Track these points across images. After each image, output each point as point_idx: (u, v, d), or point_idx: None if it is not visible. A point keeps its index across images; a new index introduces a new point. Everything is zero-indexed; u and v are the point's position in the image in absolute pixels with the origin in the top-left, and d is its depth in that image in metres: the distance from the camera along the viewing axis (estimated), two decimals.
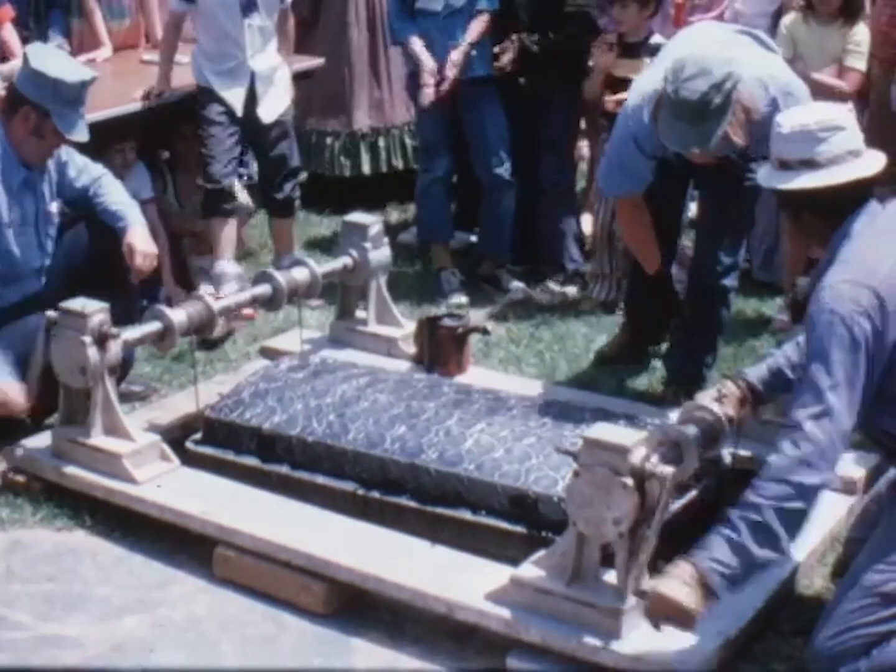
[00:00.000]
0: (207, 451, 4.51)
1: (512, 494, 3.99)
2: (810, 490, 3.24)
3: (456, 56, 6.12)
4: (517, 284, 6.44)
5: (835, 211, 3.43)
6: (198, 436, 4.58)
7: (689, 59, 4.35)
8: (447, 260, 6.56)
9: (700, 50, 4.49)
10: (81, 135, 4.79)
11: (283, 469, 4.37)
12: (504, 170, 6.36)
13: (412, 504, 4.13)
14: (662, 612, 3.29)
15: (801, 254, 4.98)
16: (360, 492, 4.22)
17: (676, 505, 3.89)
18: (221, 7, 5.96)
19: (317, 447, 4.34)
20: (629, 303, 5.64)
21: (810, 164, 3.41)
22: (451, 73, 6.11)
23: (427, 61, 6.13)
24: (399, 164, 7.53)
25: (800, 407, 3.28)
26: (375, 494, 4.20)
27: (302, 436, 4.38)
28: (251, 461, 4.43)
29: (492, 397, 4.50)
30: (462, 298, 6.34)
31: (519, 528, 3.95)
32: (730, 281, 5.02)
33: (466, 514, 4.05)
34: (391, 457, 4.21)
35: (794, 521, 3.28)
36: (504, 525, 3.98)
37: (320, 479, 4.29)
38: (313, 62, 6.92)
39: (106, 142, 5.88)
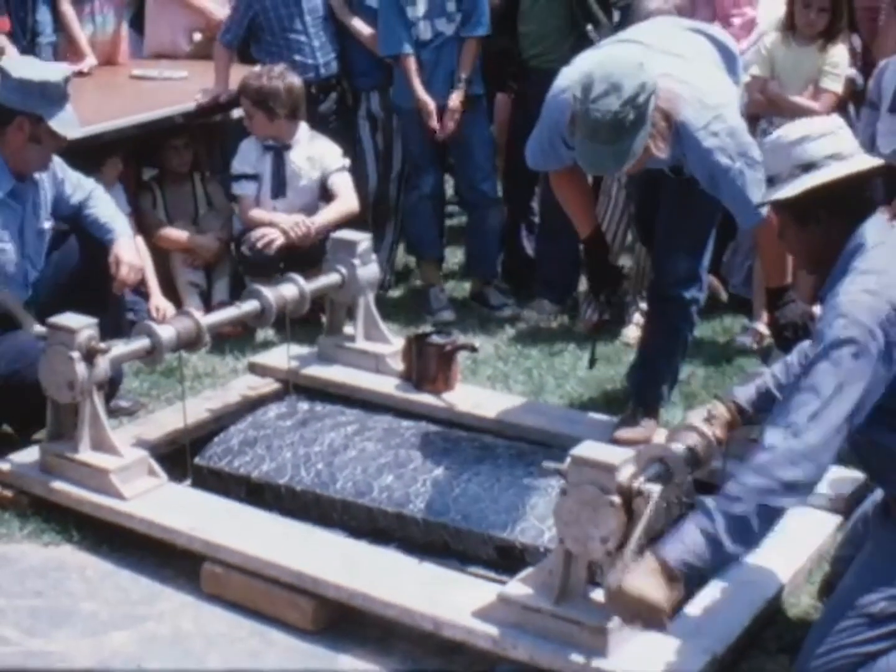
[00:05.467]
0: None
1: (499, 545, 4.00)
2: (793, 488, 3.18)
3: (454, 103, 6.12)
4: (505, 302, 6.46)
5: (851, 209, 3.37)
6: (187, 482, 4.57)
7: (596, 73, 3.90)
8: (435, 277, 6.56)
9: (612, 59, 4.04)
10: (75, 130, 4.85)
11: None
12: (489, 187, 6.39)
13: (399, 553, 4.11)
14: (630, 609, 3.24)
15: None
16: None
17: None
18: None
19: (305, 496, 4.34)
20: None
21: (837, 157, 3.37)
22: (451, 123, 6.12)
23: (427, 102, 6.12)
24: None
25: (798, 405, 3.21)
26: (363, 543, 4.18)
27: (290, 484, 4.38)
28: None
29: (478, 445, 4.53)
30: (450, 315, 6.35)
31: (505, 579, 3.89)
32: (689, 292, 4.68)
33: (453, 564, 4.05)
34: (379, 506, 4.21)
35: (771, 518, 3.23)
36: (491, 575, 3.97)
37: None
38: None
39: (100, 156, 5.89)
